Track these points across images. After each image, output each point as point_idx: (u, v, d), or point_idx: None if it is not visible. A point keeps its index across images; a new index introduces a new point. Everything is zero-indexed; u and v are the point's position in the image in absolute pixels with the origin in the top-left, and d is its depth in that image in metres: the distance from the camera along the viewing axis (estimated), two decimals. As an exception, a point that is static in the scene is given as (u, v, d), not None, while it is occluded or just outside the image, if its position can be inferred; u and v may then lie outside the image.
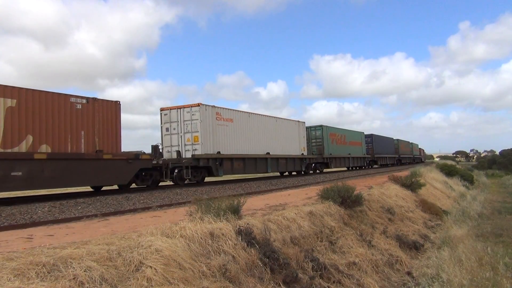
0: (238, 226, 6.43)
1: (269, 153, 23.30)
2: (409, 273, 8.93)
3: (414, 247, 10.85)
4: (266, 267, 6.06)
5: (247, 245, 6.16)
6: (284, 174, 28.28)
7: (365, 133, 43.23)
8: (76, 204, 11.18)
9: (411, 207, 15.04)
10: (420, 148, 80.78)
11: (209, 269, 5.26)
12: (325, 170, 32.83)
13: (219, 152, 19.18)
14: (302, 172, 28.14)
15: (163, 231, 5.65)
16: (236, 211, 7.00)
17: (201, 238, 5.74)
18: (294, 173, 28.66)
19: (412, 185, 17.42)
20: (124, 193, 14.31)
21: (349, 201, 10.31)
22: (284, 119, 26.49)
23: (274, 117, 24.96)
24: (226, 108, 20.33)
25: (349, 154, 35.94)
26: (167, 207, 11.04)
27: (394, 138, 55.62)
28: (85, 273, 4.08)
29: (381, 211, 12.27)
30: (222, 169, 19.35)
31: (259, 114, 23.47)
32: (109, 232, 6.61)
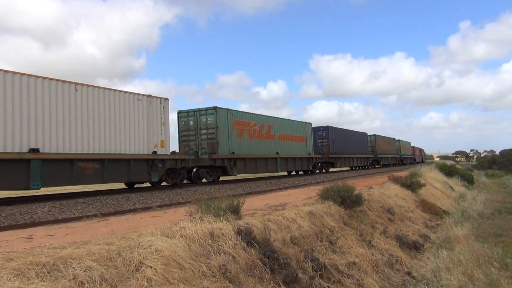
0: (238, 226, 6.43)
1: (37, 150, 11.95)
2: (409, 273, 8.94)
3: (414, 247, 10.86)
4: (266, 267, 6.06)
5: (247, 245, 6.17)
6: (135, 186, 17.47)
7: (319, 125, 32.82)
8: (76, 204, 11.18)
9: (411, 207, 15.05)
10: (414, 147, 71.67)
11: (209, 269, 5.26)
12: (223, 178, 21.69)
13: None
14: (163, 183, 17.46)
15: (163, 231, 5.66)
16: (236, 211, 7.01)
17: (201, 238, 5.74)
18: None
19: (412, 185, 17.44)
20: (124, 193, 14.31)
21: (349, 201, 10.31)
22: (101, 88, 14.40)
23: (74, 83, 13.33)
24: None
25: (278, 153, 24.44)
26: (167, 207, 11.05)
27: (369, 134, 44.32)
28: (85, 273, 4.08)
29: (381, 211, 12.27)
30: None
31: (13, 72, 11.65)
32: (109, 232, 6.61)
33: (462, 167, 52.26)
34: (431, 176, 25.85)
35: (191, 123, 20.21)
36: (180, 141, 20.32)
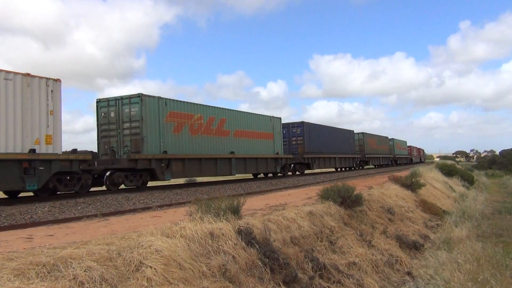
0: (238, 226, 6.43)
1: None
2: (409, 273, 8.93)
3: (414, 247, 10.86)
4: (266, 267, 6.06)
5: (247, 245, 6.17)
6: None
7: (293, 121, 28.74)
8: (76, 204, 11.18)
9: (411, 207, 15.04)
10: (411, 146, 68.26)
11: (209, 269, 5.26)
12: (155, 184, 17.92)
13: None
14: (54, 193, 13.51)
15: (163, 231, 5.65)
16: (236, 211, 7.01)
17: (201, 238, 5.74)
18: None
19: (412, 185, 17.44)
20: (124, 193, 14.30)
21: (349, 201, 10.31)
22: None
23: None
24: None
25: (233, 152, 20.26)
26: (167, 207, 11.05)
27: (355, 132, 39.47)
28: (85, 273, 4.08)
29: (381, 211, 12.27)
30: None
31: None
32: (109, 232, 6.62)
33: (462, 167, 52.13)
34: (431, 176, 25.84)
35: (112, 114, 15.94)
36: (100, 137, 16.28)
